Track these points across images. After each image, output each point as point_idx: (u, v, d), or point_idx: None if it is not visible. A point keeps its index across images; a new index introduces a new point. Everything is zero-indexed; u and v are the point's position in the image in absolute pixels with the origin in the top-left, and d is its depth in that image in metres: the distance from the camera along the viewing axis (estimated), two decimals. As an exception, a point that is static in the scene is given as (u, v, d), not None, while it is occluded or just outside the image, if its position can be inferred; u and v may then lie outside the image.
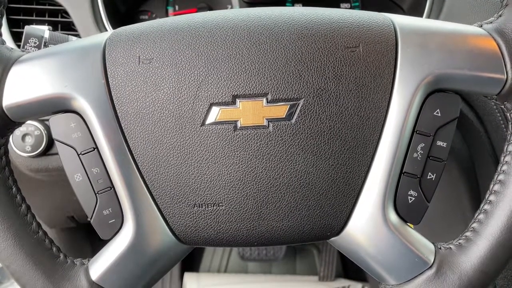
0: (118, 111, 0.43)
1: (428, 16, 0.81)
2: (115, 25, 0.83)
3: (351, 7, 0.96)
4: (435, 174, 0.44)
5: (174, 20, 0.46)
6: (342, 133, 0.43)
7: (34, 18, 0.83)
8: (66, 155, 0.44)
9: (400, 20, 0.45)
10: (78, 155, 0.44)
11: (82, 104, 0.43)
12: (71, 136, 0.44)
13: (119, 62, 0.44)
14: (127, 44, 0.44)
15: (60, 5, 0.81)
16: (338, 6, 0.96)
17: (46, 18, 0.83)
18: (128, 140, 0.44)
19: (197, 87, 0.43)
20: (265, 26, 0.44)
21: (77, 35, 0.81)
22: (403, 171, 0.44)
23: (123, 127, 0.43)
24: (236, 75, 0.43)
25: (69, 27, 0.83)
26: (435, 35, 0.44)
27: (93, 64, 0.44)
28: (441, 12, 0.78)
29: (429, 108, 0.44)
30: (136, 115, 0.43)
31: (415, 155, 0.44)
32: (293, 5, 0.97)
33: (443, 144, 0.44)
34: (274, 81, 0.43)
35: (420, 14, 0.83)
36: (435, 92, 0.44)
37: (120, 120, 0.43)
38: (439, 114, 0.44)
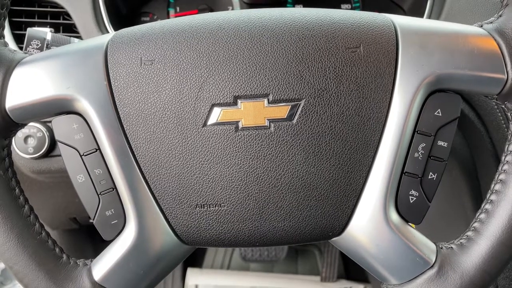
0: (120, 112, 0.44)
1: (429, 17, 0.81)
2: (116, 27, 0.83)
3: (352, 8, 0.96)
4: (436, 174, 0.44)
5: (175, 22, 0.46)
6: (343, 133, 0.43)
7: (36, 20, 0.84)
8: (68, 156, 0.44)
9: (401, 21, 0.46)
10: (81, 156, 0.44)
11: (85, 105, 0.44)
12: (73, 137, 0.44)
13: (121, 64, 0.44)
14: (129, 46, 0.44)
15: (62, 8, 0.82)
16: (338, 7, 0.96)
17: (48, 20, 0.84)
18: (130, 141, 0.44)
19: (198, 88, 0.43)
20: (266, 27, 0.44)
21: (79, 37, 0.81)
22: (404, 171, 0.44)
23: (125, 128, 0.44)
24: (238, 76, 0.43)
25: (70, 29, 0.83)
26: (436, 35, 0.44)
27: (95, 65, 0.44)
28: (442, 13, 0.78)
29: (430, 108, 0.44)
30: (138, 116, 0.44)
31: (416, 155, 0.44)
32: (294, 6, 0.97)
33: (444, 144, 0.44)
34: (275, 81, 0.43)
35: (420, 15, 0.83)
36: (435, 92, 0.44)
37: (122, 121, 0.44)
38: (440, 114, 0.44)
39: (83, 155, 0.44)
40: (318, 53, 0.43)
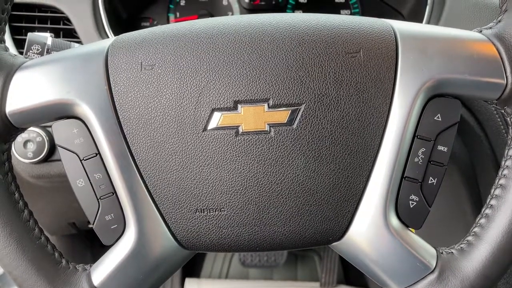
0: (120, 117, 0.44)
1: (428, 22, 0.82)
2: (116, 32, 0.84)
3: (351, 14, 0.97)
4: (436, 179, 0.44)
5: (176, 27, 0.46)
6: (343, 138, 0.43)
7: (36, 25, 0.84)
8: (68, 160, 0.44)
9: (400, 26, 0.46)
10: (81, 160, 0.44)
11: (85, 110, 0.44)
12: (73, 141, 0.44)
13: (121, 68, 0.44)
14: (129, 51, 0.45)
15: (62, 13, 0.82)
16: (338, 13, 0.97)
17: (48, 26, 0.84)
18: (130, 145, 0.44)
19: (199, 92, 0.43)
20: (266, 32, 0.44)
21: (79, 42, 0.81)
22: (404, 176, 0.44)
23: (126, 133, 0.44)
24: (238, 81, 0.43)
25: (71, 34, 0.83)
26: (435, 41, 0.44)
27: (95, 70, 0.44)
28: (441, 18, 0.79)
29: (429, 113, 0.44)
30: (138, 121, 0.44)
31: (416, 159, 0.44)
32: (293, 11, 0.97)
33: (444, 148, 0.44)
34: (275, 86, 0.43)
35: (419, 20, 0.84)
36: (435, 97, 0.44)
37: (123, 125, 0.44)
38: (440, 119, 0.44)
39: (83, 159, 0.44)
40: (318, 58, 0.43)
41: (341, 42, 0.44)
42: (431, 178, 0.44)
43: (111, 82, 0.44)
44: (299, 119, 0.43)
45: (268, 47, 0.44)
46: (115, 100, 0.44)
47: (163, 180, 0.44)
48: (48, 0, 0.82)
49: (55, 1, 0.82)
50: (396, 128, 0.43)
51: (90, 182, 0.44)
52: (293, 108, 0.43)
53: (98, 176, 0.44)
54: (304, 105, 0.43)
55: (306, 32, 0.44)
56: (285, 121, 0.43)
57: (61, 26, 0.84)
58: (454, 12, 0.78)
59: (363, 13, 0.97)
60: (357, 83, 0.43)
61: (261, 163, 0.43)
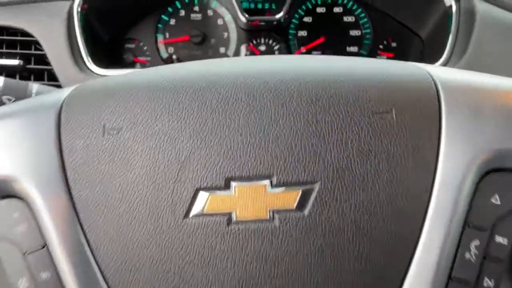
0: (75, 198, 0.33)
1: (452, 49, 0.71)
2: (96, 58, 0.73)
3: (361, 35, 0.87)
4: (493, 280, 0.33)
5: (151, 75, 0.36)
6: (370, 228, 0.33)
7: (4, 50, 0.74)
8: (7, 254, 0.34)
9: (442, 75, 0.36)
10: (23, 255, 0.34)
11: (28, 188, 0.33)
12: (13, 229, 0.34)
13: (77, 133, 0.34)
14: (89, 108, 0.34)
15: (33, 36, 0.72)
16: (347, 34, 0.87)
17: (18, 51, 0.74)
18: (87, 236, 0.33)
19: (179, 166, 0.33)
20: (268, 85, 0.34)
21: (51, 70, 0.71)
22: (452, 276, 0.33)
23: (81, 219, 0.33)
24: (231, 151, 0.33)
25: (43, 61, 0.73)
26: (491, 97, 0.34)
27: (44, 134, 0.34)
28: (468, 46, 0.68)
29: (484, 193, 0.33)
30: (99, 204, 0.33)
31: (467, 255, 0.33)
32: (296, 32, 0.87)
33: (503, 240, 0.33)
34: (281, 159, 0.33)
35: (442, 44, 0.73)
36: (491, 171, 0.34)
37: (78, 209, 0.33)
38: (498, 202, 0.33)
39: (26, 253, 0.34)
40: (337, 121, 0.33)
41: (367, 99, 0.34)
42: (486, 279, 0.33)
43: (63, 151, 0.34)
44: (313, 203, 0.33)
45: (270, 106, 0.33)
46: (68, 176, 0.33)
47: (132, 282, 0.33)
48: (16, 22, 0.72)
49: (24, 23, 0.72)
50: (441, 214, 0.33)
51: (35, 284, 0.34)
52: (304, 188, 0.33)
53: (46, 276, 0.34)
54: (318, 184, 0.33)
55: (321, 85, 0.34)
56: (294, 206, 0.33)
57: (32, 52, 0.73)
58: (483, 38, 0.68)
59: (374, 34, 0.87)
60: (389, 153, 0.33)
61: (261, 261, 0.33)
